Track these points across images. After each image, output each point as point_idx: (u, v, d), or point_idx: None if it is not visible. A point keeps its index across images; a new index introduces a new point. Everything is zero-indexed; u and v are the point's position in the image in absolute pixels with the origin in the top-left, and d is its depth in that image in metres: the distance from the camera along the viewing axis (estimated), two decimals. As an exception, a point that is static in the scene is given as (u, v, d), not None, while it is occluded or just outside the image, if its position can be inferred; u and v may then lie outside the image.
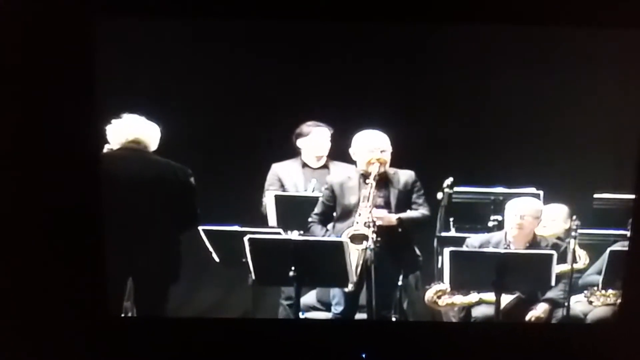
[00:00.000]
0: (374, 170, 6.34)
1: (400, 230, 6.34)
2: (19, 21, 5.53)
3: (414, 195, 6.44)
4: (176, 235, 6.27)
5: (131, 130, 6.17)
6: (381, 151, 6.40)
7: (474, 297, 6.47)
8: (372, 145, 6.40)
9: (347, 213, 6.39)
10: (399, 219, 6.34)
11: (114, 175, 6.03)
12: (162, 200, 6.14)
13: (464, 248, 6.51)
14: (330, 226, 6.48)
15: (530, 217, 6.48)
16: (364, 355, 5.95)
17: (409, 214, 6.39)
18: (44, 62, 5.57)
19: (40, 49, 5.55)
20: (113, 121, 6.19)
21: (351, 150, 6.48)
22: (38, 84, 5.61)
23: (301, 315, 6.39)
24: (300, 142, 6.95)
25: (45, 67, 5.59)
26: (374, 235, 6.17)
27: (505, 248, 6.41)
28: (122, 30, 6.33)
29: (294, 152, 7.07)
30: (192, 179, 6.21)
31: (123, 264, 6.08)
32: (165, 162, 6.22)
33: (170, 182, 6.15)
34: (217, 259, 6.62)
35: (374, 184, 6.33)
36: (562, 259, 6.34)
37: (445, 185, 6.76)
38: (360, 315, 6.41)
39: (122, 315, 6.40)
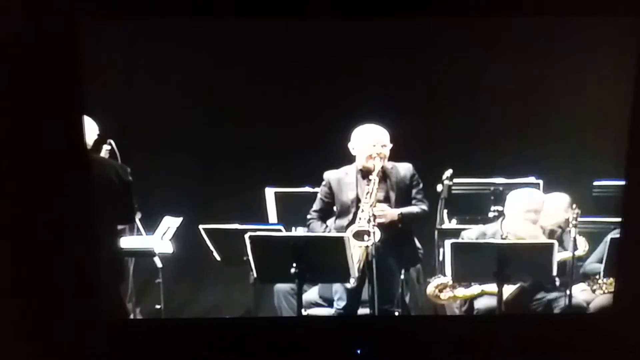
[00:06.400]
0: (377, 165, 6.32)
1: (400, 225, 6.32)
2: (10, 23, 5.52)
3: (414, 191, 6.42)
4: (117, 235, 6.25)
5: None
6: (382, 146, 6.37)
7: (475, 289, 6.48)
8: (374, 140, 6.37)
9: (346, 209, 6.38)
10: (400, 215, 6.33)
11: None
12: (103, 198, 6.03)
13: (465, 240, 6.51)
14: (330, 222, 6.46)
15: (539, 212, 6.52)
16: (358, 352, 5.95)
17: (410, 209, 6.38)
18: (32, 65, 5.56)
19: (27, 52, 5.54)
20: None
21: (351, 145, 6.43)
22: (27, 85, 5.60)
23: (303, 312, 6.38)
24: None
25: (34, 68, 5.57)
26: (376, 231, 6.15)
27: (503, 238, 6.41)
28: (112, 31, 6.33)
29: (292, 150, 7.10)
30: (130, 178, 6.11)
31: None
32: (104, 160, 6.20)
33: (111, 181, 6.05)
34: (218, 258, 6.63)
35: (377, 180, 6.32)
36: (559, 246, 6.33)
37: (444, 177, 6.77)
38: (363, 311, 6.41)
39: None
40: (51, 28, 5.50)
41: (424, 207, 6.43)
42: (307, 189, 6.87)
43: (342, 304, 6.41)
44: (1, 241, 5.71)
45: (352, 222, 6.29)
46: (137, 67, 7.15)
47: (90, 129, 6.13)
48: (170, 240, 6.87)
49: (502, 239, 6.42)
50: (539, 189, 6.75)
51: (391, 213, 6.30)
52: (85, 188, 5.74)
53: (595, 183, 6.84)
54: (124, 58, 7.01)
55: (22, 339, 5.74)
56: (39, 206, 5.69)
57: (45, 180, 5.65)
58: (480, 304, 6.49)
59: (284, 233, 6.49)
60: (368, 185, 6.30)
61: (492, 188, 6.94)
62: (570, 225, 6.38)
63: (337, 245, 6.07)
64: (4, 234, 5.70)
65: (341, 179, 6.44)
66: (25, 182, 5.67)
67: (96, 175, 5.98)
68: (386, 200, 6.35)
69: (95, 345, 5.82)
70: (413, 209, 6.40)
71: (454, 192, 6.83)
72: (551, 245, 6.19)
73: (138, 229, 6.74)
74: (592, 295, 6.50)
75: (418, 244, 6.67)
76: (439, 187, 6.78)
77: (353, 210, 6.33)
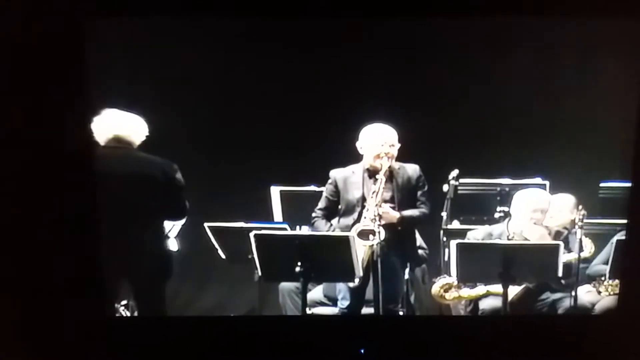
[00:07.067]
0: (385, 165, 6.31)
1: (400, 228, 6.30)
2: (11, 22, 5.53)
3: (419, 192, 6.40)
4: (164, 232, 6.26)
5: (111, 128, 6.06)
6: (390, 145, 6.36)
7: (481, 289, 6.48)
8: (382, 139, 6.36)
9: (351, 208, 6.37)
10: (401, 217, 6.32)
11: (99, 176, 5.95)
12: (149, 197, 6.06)
13: (471, 240, 6.50)
14: (335, 221, 6.45)
15: (546, 211, 6.52)
16: (362, 351, 5.95)
17: (411, 212, 6.34)
18: (34, 63, 5.57)
19: (30, 49, 5.55)
20: (94, 118, 6.05)
21: (359, 144, 6.42)
22: (29, 84, 5.61)
23: (308, 311, 6.37)
24: None
25: (35, 67, 5.58)
26: (381, 230, 6.14)
27: (509, 239, 6.40)
28: (113, 30, 6.32)
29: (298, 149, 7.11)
30: (178, 174, 6.12)
31: (116, 264, 6.05)
32: (151, 158, 6.13)
33: (157, 179, 6.05)
34: (223, 256, 6.64)
35: (384, 179, 6.31)
36: (564, 247, 6.32)
37: (451, 177, 6.76)
38: (367, 310, 6.39)
39: (129, 314, 6.45)
40: (52, 27, 5.52)
41: (425, 210, 6.40)
42: (312, 187, 6.86)
43: (346, 303, 6.40)
44: (3, 241, 5.73)
45: (357, 221, 6.27)
46: (140, 65, 7.14)
47: (140, 128, 6.16)
48: (175, 238, 6.85)
49: (508, 239, 6.41)
50: (545, 189, 6.74)
51: (391, 215, 6.28)
52: (89, 186, 5.75)
53: (602, 184, 6.82)
54: (126, 57, 7.00)
55: (23, 339, 5.75)
56: (40, 205, 5.70)
57: (48, 179, 5.65)
58: (485, 304, 6.48)
59: (289, 232, 6.49)
60: (374, 184, 6.29)
61: (498, 189, 6.93)
62: (576, 226, 6.37)
63: (342, 245, 6.06)
64: (5, 233, 5.72)
65: (347, 178, 6.42)
66: (27, 182, 5.68)
67: (140, 173, 6.04)
68: (391, 200, 6.33)
69: (98, 343, 5.83)
70: (414, 212, 6.37)
71: (460, 192, 6.82)
72: (557, 247, 6.18)
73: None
74: (597, 296, 6.46)
75: (423, 244, 6.67)
76: (445, 187, 6.77)
77: (358, 209, 6.31)
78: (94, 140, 6.03)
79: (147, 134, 6.16)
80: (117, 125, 6.06)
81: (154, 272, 6.12)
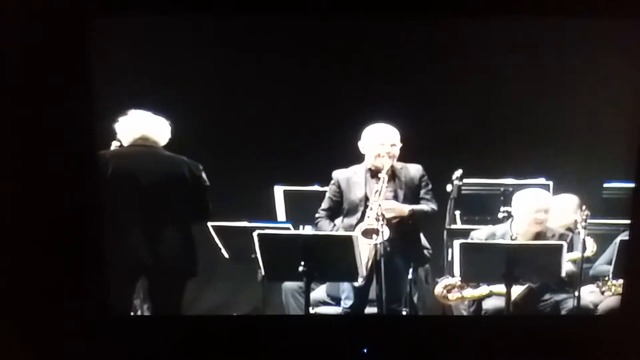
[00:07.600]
0: (386, 164, 6.32)
1: (410, 222, 6.31)
2: (17, 21, 5.53)
3: (422, 191, 6.41)
4: (190, 231, 6.27)
5: (137, 127, 6.16)
6: (392, 145, 6.37)
7: (484, 289, 6.47)
8: (383, 139, 6.38)
9: (354, 208, 6.38)
10: (411, 211, 6.32)
11: (125, 174, 6.03)
12: (175, 196, 6.13)
13: (474, 240, 6.50)
14: (338, 221, 6.45)
15: (549, 211, 6.49)
16: (365, 351, 5.95)
17: (420, 206, 6.36)
18: (42, 62, 5.58)
19: (38, 49, 5.56)
20: (120, 118, 6.17)
21: (360, 144, 6.44)
22: (37, 84, 5.61)
23: (311, 310, 6.37)
24: None
25: (43, 66, 5.59)
26: (385, 229, 6.15)
27: (514, 239, 6.40)
28: (122, 28, 6.33)
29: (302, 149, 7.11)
30: (203, 174, 6.20)
31: (135, 263, 6.07)
32: (177, 158, 6.20)
33: (182, 178, 6.13)
34: (226, 256, 6.64)
35: (386, 178, 6.31)
36: (569, 249, 6.33)
37: (454, 177, 6.76)
38: (370, 310, 6.39)
39: (132, 313, 6.44)
40: (54, 26, 5.53)
41: (433, 206, 6.42)
42: (316, 187, 6.86)
43: (349, 302, 6.41)
44: (7, 241, 5.74)
45: (361, 220, 6.29)
46: (145, 65, 7.13)
47: (166, 129, 6.25)
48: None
49: (511, 239, 6.41)
50: (548, 190, 6.73)
51: (400, 208, 6.29)
52: (94, 186, 5.76)
53: (605, 185, 6.81)
54: (131, 56, 7.00)
55: (28, 338, 5.75)
56: (45, 205, 5.70)
57: (52, 179, 5.66)
58: (488, 304, 6.47)
59: (293, 231, 6.49)
60: (377, 183, 6.30)
61: (502, 189, 6.92)
62: (579, 226, 6.37)
63: (345, 244, 6.07)
64: (9, 233, 5.72)
65: (350, 178, 6.43)
66: (30, 182, 5.68)
67: (168, 171, 6.13)
68: (394, 199, 6.34)
69: (102, 342, 5.84)
70: (423, 206, 6.38)
71: (463, 192, 6.82)
72: (560, 247, 6.18)
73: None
74: (600, 297, 6.46)
75: (427, 244, 6.66)
76: (449, 187, 6.77)
77: (361, 209, 6.32)
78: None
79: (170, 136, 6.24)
80: (144, 124, 6.17)
81: (175, 271, 6.15)
